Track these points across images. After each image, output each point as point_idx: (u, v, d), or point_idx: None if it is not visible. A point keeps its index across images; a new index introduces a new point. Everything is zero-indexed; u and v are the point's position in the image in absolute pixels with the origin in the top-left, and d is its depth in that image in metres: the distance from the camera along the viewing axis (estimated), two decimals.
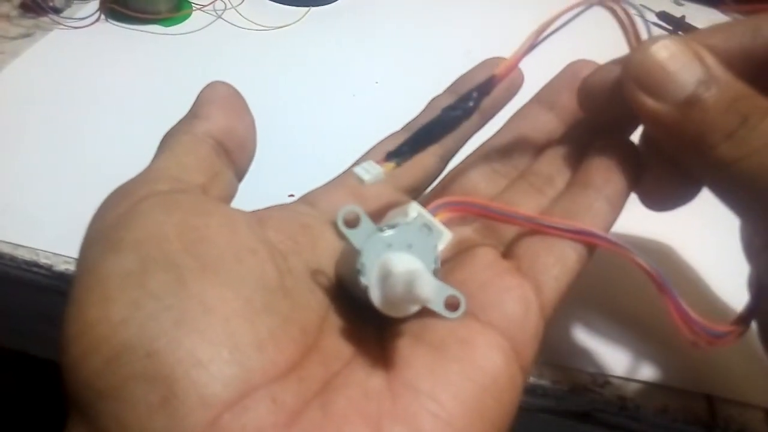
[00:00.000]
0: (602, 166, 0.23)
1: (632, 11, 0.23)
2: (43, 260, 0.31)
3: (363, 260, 0.17)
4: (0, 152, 0.37)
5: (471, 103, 0.21)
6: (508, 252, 0.21)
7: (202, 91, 0.23)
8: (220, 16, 0.51)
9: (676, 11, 0.58)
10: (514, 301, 0.19)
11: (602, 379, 0.29)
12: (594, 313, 0.31)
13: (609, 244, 0.21)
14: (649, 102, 0.21)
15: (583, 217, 0.21)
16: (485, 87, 0.22)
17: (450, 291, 0.18)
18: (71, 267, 0.31)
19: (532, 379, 0.29)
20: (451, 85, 0.26)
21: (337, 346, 0.18)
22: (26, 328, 0.38)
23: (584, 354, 0.30)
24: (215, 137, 0.21)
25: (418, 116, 0.25)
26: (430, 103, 0.26)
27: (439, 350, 0.17)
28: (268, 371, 0.15)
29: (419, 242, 0.18)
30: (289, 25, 0.51)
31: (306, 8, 0.53)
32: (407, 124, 0.25)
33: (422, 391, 0.16)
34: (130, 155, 0.38)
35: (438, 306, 0.18)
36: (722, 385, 0.29)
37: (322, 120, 0.42)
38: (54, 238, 0.32)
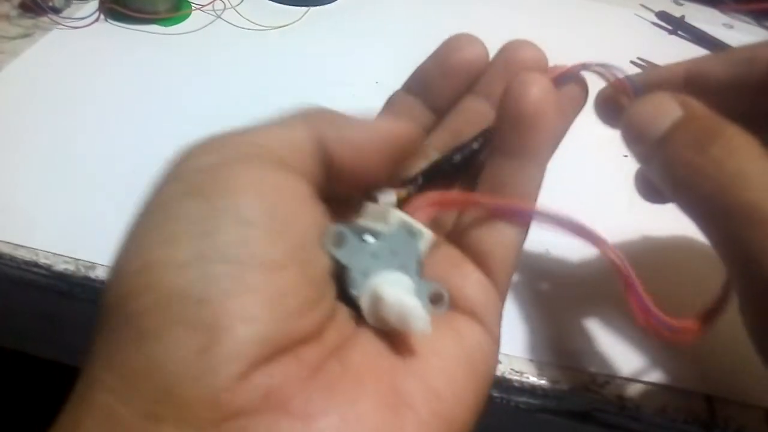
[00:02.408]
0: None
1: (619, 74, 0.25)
2: (42, 260, 0.31)
3: (352, 274, 0.19)
4: None
5: (475, 146, 0.23)
6: (454, 238, 0.22)
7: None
8: (219, 16, 0.51)
9: (676, 11, 0.58)
10: (474, 286, 0.21)
11: (602, 379, 0.29)
12: (594, 313, 0.32)
13: (585, 230, 0.22)
14: (640, 136, 0.23)
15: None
16: (489, 133, 0.23)
17: (434, 287, 0.20)
18: (71, 267, 0.31)
19: (532, 379, 0.29)
20: (407, 79, 0.26)
21: (347, 315, 0.19)
22: (26, 328, 0.38)
23: (584, 354, 0.30)
24: (323, 145, 0.21)
25: (376, 117, 0.26)
26: (387, 101, 0.26)
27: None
28: (298, 335, 0.17)
29: (403, 247, 0.20)
30: (289, 24, 0.51)
31: (305, 8, 0.53)
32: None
33: (425, 354, 0.18)
34: (130, 155, 0.38)
35: (423, 302, 0.19)
36: (722, 385, 0.29)
37: None
38: (53, 238, 0.32)
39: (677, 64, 0.26)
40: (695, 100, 0.23)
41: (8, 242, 0.32)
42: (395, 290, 0.18)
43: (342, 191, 0.21)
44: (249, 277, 0.16)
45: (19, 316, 0.37)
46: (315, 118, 0.21)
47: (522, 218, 0.22)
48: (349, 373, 0.17)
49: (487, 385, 0.20)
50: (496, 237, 0.22)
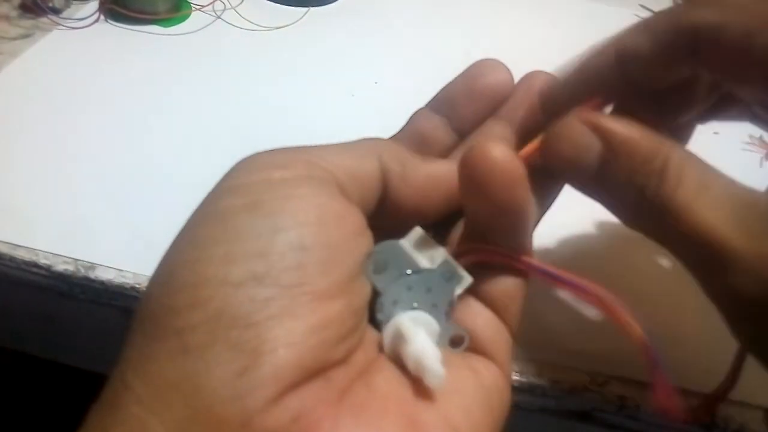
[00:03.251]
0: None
1: None
2: (42, 260, 0.31)
3: (383, 300, 0.20)
4: None
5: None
6: None
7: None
8: (219, 17, 0.51)
9: None
10: (485, 325, 0.21)
11: (602, 378, 0.29)
12: (594, 313, 0.32)
13: (610, 305, 0.21)
14: (571, 179, 0.23)
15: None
16: None
17: (457, 330, 0.21)
18: (70, 267, 0.31)
19: (532, 379, 0.29)
20: (433, 99, 0.26)
21: (373, 337, 0.20)
22: (26, 328, 0.38)
23: (584, 354, 0.30)
24: (387, 181, 0.21)
25: (400, 131, 0.26)
26: (411, 117, 0.26)
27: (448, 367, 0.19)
28: (332, 361, 0.17)
29: (439, 287, 0.20)
30: (289, 25, 0.51)
31: (305, 8, 0.53)
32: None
33: (445, 390, 0.19)
34: (130, 155, 0.38)
35: (444, 343, 0.20)
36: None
37: (321, 120, 0.42)
38: (53, 238, 0.32)
39: (606, 47, 0.24)
40: (607, 118, 0.21)
41: (8, 242, 0.32)
42: (419, 337, 0.19)
43: (391, 223, 0.21)
44: (298, 304, 0.16)
45: (19, 316, 0.37)
46: (383, 151, 0.21)
47: (561, 285, 0.22)
48: (374, 398, 0.17)
49: (502, 422, 0.20)
50: (505, 282, 0.22)
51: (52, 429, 0.64)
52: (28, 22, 0.48)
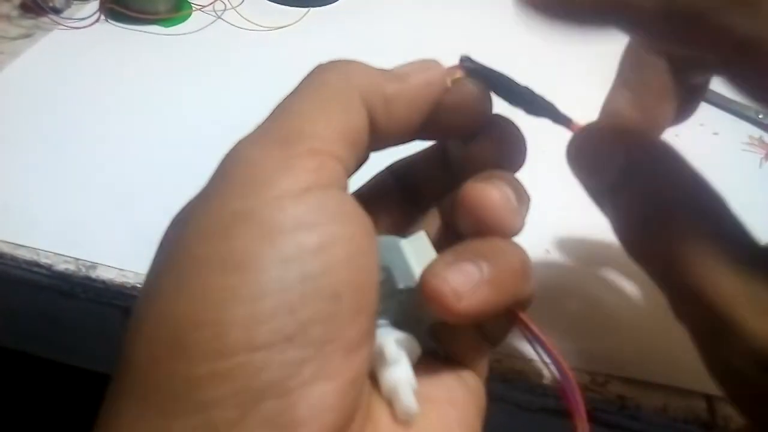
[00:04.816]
0: None
1: None
2: (43, 260, 0.32)
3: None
4: (0, 152, 0.37)
5: (538, 100, 0.22)
6: None
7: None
8: (219, 17, 0.51)
9: None
10: (467, 345, 0.21)
11: (602, 378, 0.29)
12: (593, 312, 0.32)
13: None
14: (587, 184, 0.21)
15: None
16: (556, 114, 0.22)
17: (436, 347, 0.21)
18: (71, 266, 0.31)
19: (532, 378, 0.29)
20: None
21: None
22: (26, 327, 0.38)
23: (584, 353, 0.30)
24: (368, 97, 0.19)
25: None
26: None
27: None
28: (356, 411, 0.16)
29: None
30: (289, 25, 0.51)
31: (305, 9, 0.53)
32: None
33: (442, 403, 0.19)
34: (130, 155, 0.38)
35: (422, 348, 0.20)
36: None
37: None
38: (54, 237, 0.32)
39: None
40: (641, 137, 0.20)
41: (9, 242, 0.32)
42: (400, 366, 0.18)
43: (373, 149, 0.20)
44: (331, 362, 0.15)
45: (20, 315, 0.37)
46: (361, 86, 0.19)
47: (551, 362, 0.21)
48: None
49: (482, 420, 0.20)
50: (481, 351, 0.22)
51: (52, 429, 0.64)
52: (28, 22, 0.48)
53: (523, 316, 0.20)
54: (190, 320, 0.14)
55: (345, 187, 0.18)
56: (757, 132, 0.44)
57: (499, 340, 0.22)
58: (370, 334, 0.17)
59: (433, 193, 0.24)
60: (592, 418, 0.25)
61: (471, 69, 0.22)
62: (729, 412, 0.28)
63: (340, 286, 0.15)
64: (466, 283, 0.18)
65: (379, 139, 0.20)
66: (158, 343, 0.15)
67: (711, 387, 0.29)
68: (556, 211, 0.34)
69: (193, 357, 0.14)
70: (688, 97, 0.23)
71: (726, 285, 0.17)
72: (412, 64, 0.21)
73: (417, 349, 0.19)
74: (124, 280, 0.31)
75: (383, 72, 0.20)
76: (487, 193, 0.20)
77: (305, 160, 0.16)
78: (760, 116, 0.44)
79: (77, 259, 0.32)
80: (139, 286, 0.31)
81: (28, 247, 0.32)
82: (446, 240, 0.21)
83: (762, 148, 0.43)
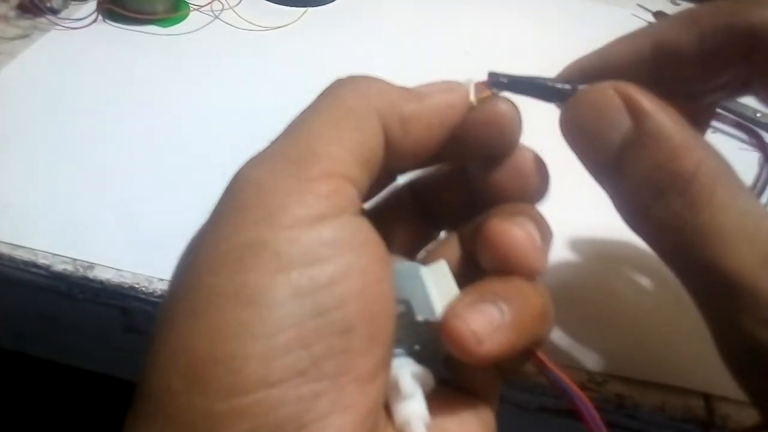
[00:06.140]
0: None
1: None
2: (41, 260, 0.31)
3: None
4: None
5: (568, 87, 0.21)
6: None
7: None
8: (217, 17, 0.51)
9: (673, 11, 0.58)
10: (481, 377, 0.21)
11: (600, 377, 0.29)
12: (592, 312, 0.32)
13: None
14: (585, 155, 0.20)
15: None
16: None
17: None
18: (69, 267, 0.31)
19: (531, 378, 0.29)
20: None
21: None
22: (25, 328, 0.38)
23: (582, 352, 0.30)
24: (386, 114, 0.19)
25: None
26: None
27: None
28: None
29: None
30: (287, 25, 0.51)
31: (303, 8, 0.53)
32: None
33: None
34: (128, 155, 0.38)
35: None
36: (719, 384, 0.29)
37: None
38: (52, 238, 0.32)
39: (642, 34, 0.21)
40: (646, 97, 0.18)
41: (7, 242, 0.32)
42: (414, 400, 0.18)
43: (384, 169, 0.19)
44: (346, 394, 0.15)
45: (18, 316, 0.37)
46: (379, 105, 0.19)
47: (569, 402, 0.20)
48: None
49: None
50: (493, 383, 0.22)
51: (52, 429, 0.64)
52: (26, 23, 0.48)
53: (540, 354, 0.20)
54: (205, 354, 0.14)
55: (358, 211, 0.17)
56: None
57: (513, 374, 0.22)
58: (385, 364, 0.17)
59: (452, 214, 0.23)
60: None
61: (500, 84, 0.21)
62: (727, 411, 0.28)
63: (353, 319, 0.15)
64: (487, 326, 0.18)
65: (395, 159, 0.19)
66: (174, 375, 0.15)
67: (709, 386, 0.29)
68: (555, 211, 0.34)
69: (210, 393, 0.14)
70: (699, 118, 0.22)
71: (742, 254, 0.17)
72: (433, 84, 0.21)
73: (431, 382, 0.19)
74: (122, 280, 0.31)
75: (402, 90, 0.20)
76: (512, 232, 0.19)
77: (318, 184, 0.16)
78: (758, 115, 0.44)
79: (75, 260, 0.32)
80: (136, 286, 0.31)
81: (26, 247, 0.32)
82: (466, 269, 0.21)
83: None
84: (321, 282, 0.15)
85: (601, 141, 0.19)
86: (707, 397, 0.29)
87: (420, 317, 0.19)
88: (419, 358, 0.19)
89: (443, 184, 0.23)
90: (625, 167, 0.19)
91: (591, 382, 0.29)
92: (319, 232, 0.16)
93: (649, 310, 0.31)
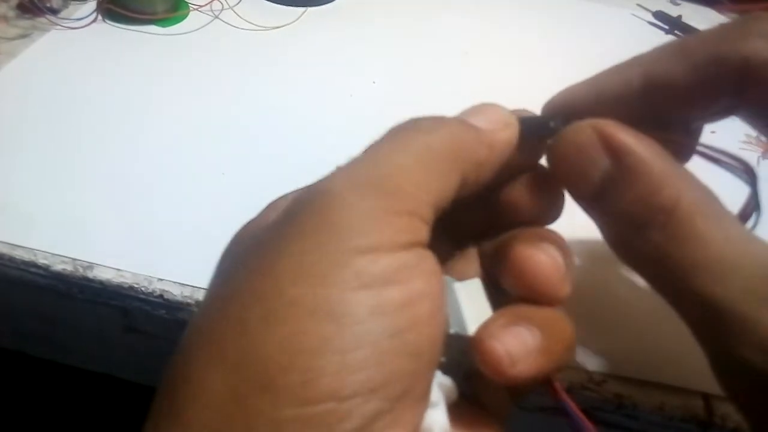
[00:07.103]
0: None
1: None
2: (41, 260, 0.31)
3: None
4: None
5: (552, 124, 0.21)
6: None
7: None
8: (217, 17, 0.51)
9: (673, 11, 0.58)
10: (494, 395, 0.21)
11: (599, 377, 0.29)
12: (591, 312, 0.32)
13: None
14: (569, 190, 0.21)
15: None
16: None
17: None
18: (68, 267, 0.31)
19: None
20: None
21: None
22: (25, 328, 0.38)
23: (581, 352, 0.30)
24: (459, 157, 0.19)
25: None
26: None
27: None
28: None
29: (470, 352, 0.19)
30: (287, 25, 0.51)
31: (303, 8, 0.53)
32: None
33: None
34: (127, 155, 0.38)
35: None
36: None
37: (319, 120, 0.42)
38: (51, 238, 0.32)
39: (631, 65, 0.21)
40: (625, 132, 0.19)
41: (6, 242, 0.32)
42: (437, 410, 0.18)
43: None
44: (403, 412, 0.15)
45: (18, 316, 0.37)
46: (464, 157, 0.19)
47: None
48: None
49: None
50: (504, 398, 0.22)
51: (52, 429, 0.64)
52: (25, 22, 0.48)
53: (557, 383, 0.20)
54: (280, 363, 0.15)
55: (426, 245, 0.18)
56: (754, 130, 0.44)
57: (523, 398, 0.22)
58: (431, 382, 0.17)
59: (471, 229, 0.24)
60: (590, 417, 0.25)
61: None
62: (726, 411, 0.28)
63: (423, 343, 0.16)
64: (521, 349, 0.18)
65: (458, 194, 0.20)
66: (243, 380, 0.15)
67: (708, 386, 0.29)
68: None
69: (280, 400, 0.14)
70: (683, 146, 0.22)
71: (727, 283, 0.17)
72: (486, 112, 0.21)
73: (454, 394, 0.20)
74: (122, 280, 0.31)
75: (473, 132, 0.20)
76: (538, 260, 0.20)
77: (401, 218, 0.17)
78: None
79: (74, 260, 0.31)
80: (136, 286, 0.31)
81: (26, 247, 0.32)
82: (488, 290, 0.21)
83: (759, 146, 0.43)
84: (397, 303, 0.16)
85: (583, 178, 0.20)
86: (707, 397, 0.29)
87: (453, 330, 0.19)
88: (443, 369, 0.19)
89: (463, 201, 0.24)
90: (607, 202, 0.19)
91: (590, 381, 0.29)
92: (397, 257, 0.16)
93: (648, 310, 0.31)
